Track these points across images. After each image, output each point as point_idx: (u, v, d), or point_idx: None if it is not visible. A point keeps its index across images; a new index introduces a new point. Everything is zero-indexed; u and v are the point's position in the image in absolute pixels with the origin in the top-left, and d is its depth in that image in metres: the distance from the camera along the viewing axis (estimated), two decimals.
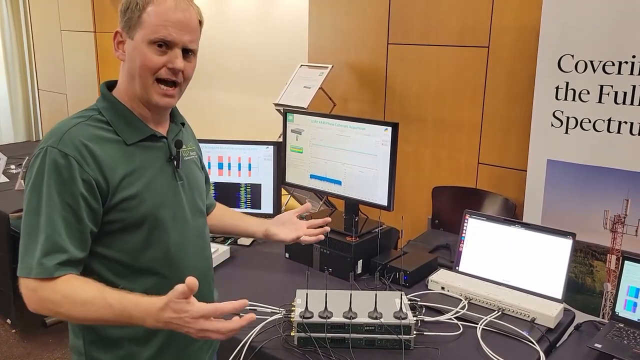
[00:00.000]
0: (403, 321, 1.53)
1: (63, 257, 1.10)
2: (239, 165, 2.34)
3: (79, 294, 1.09)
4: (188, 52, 1.23)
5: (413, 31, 3.29)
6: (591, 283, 2.53)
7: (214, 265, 1.55)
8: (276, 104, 3.52)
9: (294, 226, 1.67)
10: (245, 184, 2.35)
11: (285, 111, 2.21)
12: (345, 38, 3.62)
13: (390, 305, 1.60)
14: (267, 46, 4.29)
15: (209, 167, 2.31)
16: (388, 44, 3.41)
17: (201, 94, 4.87)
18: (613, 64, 2.33)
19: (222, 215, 1.68)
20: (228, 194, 2.35)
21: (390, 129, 1.93)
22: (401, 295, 1.61)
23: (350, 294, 1.57)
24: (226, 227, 1.68)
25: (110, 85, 1.29)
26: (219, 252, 2.09)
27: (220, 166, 2.35)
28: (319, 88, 3.40)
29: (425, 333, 1.61)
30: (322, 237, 1.69)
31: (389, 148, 1.94)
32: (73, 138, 1.14)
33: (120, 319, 1.10)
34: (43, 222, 1.10)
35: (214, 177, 2.33)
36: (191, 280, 1.04)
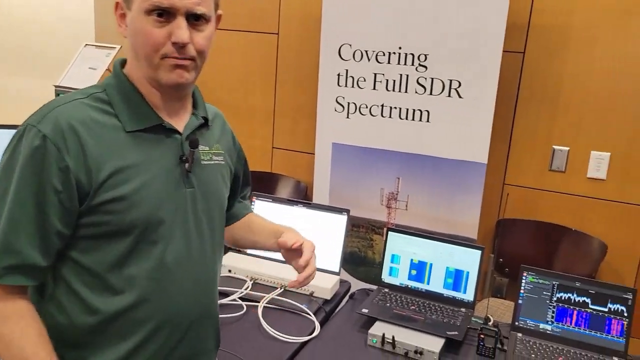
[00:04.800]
0: None
1: (13, 261, 0.92)
2: None
3: (20, 346, 0.93)
4: (198, 19, 0.98)
5: None
6: (372, 255, 2.76)
7: None
8: (57, 86, 3.21)
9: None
10: None
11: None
12: None
13: None
14: (46, 22, 3.87)
15: None
16: None
17: None
18: (384, 54, 2.55)
19: (247, 229, 1.40)
20: None
21: None
22: None
23: None
24: (247, 244, 1.42)
25: (125, 62, 1.06)
26: None
27: None
28: (106, 69, 3.17)
29: None
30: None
31: None
32: (60, 117, 0.94)
33: None
34: (4, 214, 0.92)
35: None
36: None
